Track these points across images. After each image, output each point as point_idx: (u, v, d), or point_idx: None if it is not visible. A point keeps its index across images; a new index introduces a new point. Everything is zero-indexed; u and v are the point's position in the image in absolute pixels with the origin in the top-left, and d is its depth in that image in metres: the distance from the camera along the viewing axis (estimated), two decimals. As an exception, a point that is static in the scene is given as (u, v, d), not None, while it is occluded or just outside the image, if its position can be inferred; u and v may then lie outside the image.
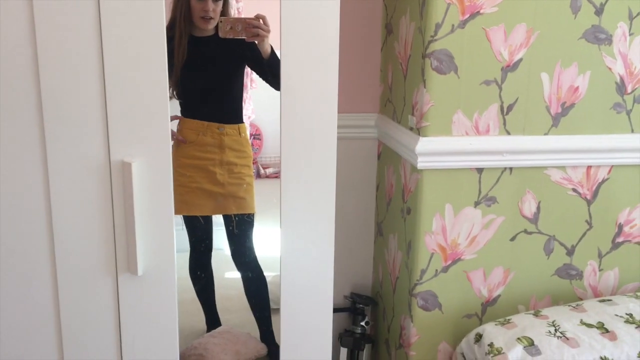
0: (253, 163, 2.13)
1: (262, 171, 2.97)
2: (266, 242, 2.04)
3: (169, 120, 1.12)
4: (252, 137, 3.27)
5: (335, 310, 1.90)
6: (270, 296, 2.14)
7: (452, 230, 1.48)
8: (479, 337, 1.37)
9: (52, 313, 1.16)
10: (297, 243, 1.25)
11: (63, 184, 1.09)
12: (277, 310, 1.32)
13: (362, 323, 1.86)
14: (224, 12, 1.85)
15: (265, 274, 2.14)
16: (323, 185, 1.24)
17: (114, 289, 1.17)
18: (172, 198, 1.16)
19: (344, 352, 1.86)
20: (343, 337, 1.86)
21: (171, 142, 1.15)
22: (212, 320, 2.14)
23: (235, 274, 2.55)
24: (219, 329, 1.98)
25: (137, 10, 1.02)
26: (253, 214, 1.97)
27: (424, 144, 1.41)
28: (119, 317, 1.18)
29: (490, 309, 1.55)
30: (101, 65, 1.04)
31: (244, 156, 1.95)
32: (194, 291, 2.08)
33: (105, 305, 1.17)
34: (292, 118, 1.16)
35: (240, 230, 2.00)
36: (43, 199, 1.10)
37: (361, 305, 1.88)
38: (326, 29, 1.14)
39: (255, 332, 1.92)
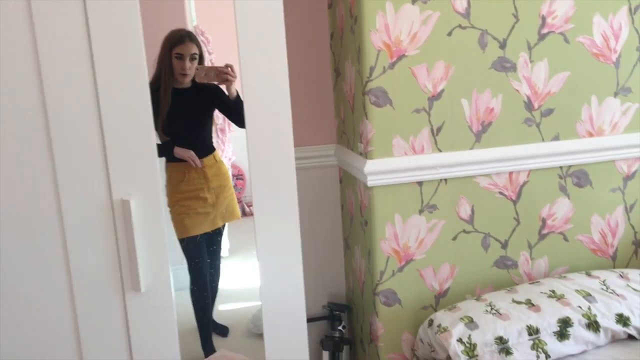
0: (238, 202, 2.50)
1: (247, 209, 3.24)
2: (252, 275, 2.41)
3: (158, 162, 1.39)
4: (235, 177, 3.56)
5: (315, 319, 2.16)
6: (256, 323, 2.48)
7: (402, 235, 1.75)
8: (431, 322, 1.63)
9: (72, 329, 1.40)
10: (271, 271, 1.44)
11: (75, 220, 1.34)
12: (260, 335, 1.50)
13: (340, 327, 2.11)
14: (200, 64, 2.22)
15: (248, 304, 2.48)
16: (288, 213, 1.42)
17: (122, 305, 1.42)
18: (164, 225, 1.41)
19: (325, 354, 2.11)
20: (324, 342, 2.11)
21: (163, 181, 1.42)
22: (208, 346, 2.42)
23: (228, 306, 2.87)
24: (215, 354, 2.24)
25: (125, 68, 1.28)
26: (223, 227, 2.38)
27: (371, 165, 1.69)
28: (128, 328, 1.42)
29: (442, 300, 1.81)
30: (99, 117, 1.29)
31: (223, 177, 2.35)
32: (189, 322, 2.39)
33: (116, 318, 1.41)
34: (256, 153, 1.42)
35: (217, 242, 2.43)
36: (59, 234, 1.34)
37: (337, 312, 2.13)
38: (277, 75, 1.38)
39: (250, 354, 2.17)
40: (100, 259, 1.37)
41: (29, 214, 1.31)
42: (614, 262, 1.88)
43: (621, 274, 1.69)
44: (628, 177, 1.84)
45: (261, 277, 1.45)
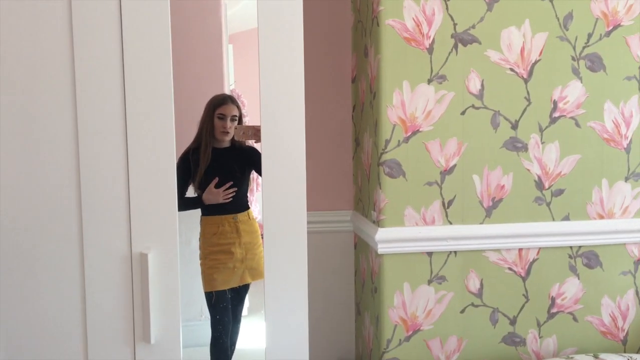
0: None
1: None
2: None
3: (177, 219, 1.48)
4: (262, 236, 3.64)
5: (324, 383, 2.16)
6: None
7: (410, 304, 1.78)
8: (433, 395, 1.64)
9: (83, 376, 1.46)
10: (278, 332, 1.48)
11: (95, 268, 1.42)
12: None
13: (346, 394, 2.11)
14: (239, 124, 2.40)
15: None
16: (297, 275, 1.47)
17: (132, 355, 1.47)
18: (178, 279, 1.48)
19: (331, 420, 2.10)
20: (330, 408, 2.11)
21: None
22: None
23: None
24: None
25: (155, 128, 1.38)
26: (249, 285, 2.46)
27: (382, 234, 1.74)
28: (136, 378, 1.47)
29: (448, 374, 1.82)
30: (127, 172, 1.39)
31: (254, 235, 2.47)
32: None
33: (125, 368, 1.47)
34: (270, 213, 1.49)
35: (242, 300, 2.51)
36: (79, 280, 1.42)
37: (345, 378, 2.14)
38: (295, 140, 1.46)
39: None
40: (115, 307, 1.44)
41: (52, 259, 1.39)
42: (625, 346, 1.86)
43: (629, 359, 1.68)
44: (639, 261, 1.84)
45: (267, 337, 1.49)
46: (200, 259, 2.47)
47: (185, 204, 2.32)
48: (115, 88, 1.34)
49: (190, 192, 2.46)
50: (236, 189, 2.40)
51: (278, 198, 1.50)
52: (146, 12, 1.32)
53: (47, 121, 1.32)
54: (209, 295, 2.46)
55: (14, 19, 1.29)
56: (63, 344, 1.43)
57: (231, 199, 2.40)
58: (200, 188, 2.39)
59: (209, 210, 2.44)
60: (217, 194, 2.37)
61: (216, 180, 2.36)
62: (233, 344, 2.64)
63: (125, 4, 1.31)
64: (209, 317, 2.55)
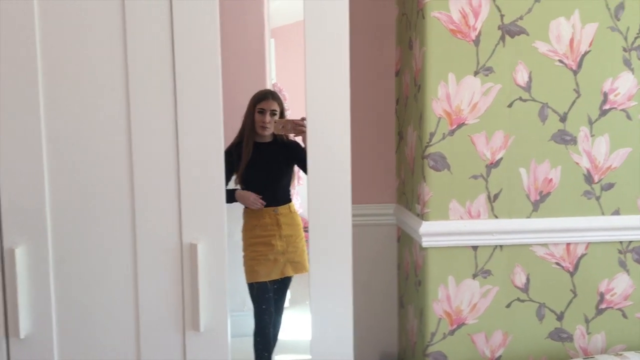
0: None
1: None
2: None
3: (225, 209, 1.51)
4: (305, 229, 3.69)
5: (366, 375, 2.18)
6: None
7: (455, 298, 1.77)
8: (478, 389, 1.63)
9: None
10: (322, 324, 1.49)
11: (147, 261, 1.46)
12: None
13: (389, 386, 2.12)
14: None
15: (303, 357, 2.57)
16: (342, 267, 1.47)
17: (182, 343, 1.51)
18: (226, 270, 1.51)
19: (374, 412, 2.12)
20: (373, 400, 2.12)
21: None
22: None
23: (284, 357, 2.96)
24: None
25: (204, 123, 1.42)
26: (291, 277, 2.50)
27: (426, 227, 1.74)
28: (185, 364, 1.52)
29: (493, 368, 1.81)
30: (177, 164, 1.43)
31: (296, 228, 2.51)
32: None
33: (175, 355, 1.51)
34: (316, 206, 1.51)
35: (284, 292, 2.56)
36: (132, 274, 1.47)
37: (388, 371, 2.15)
38: (340, 134, 1.47)
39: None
40: (166, 296, 1.48)
41: (106, 249, 1.44)
42: (677, 344, 1.82)
43: (682, 357, 1.64)
44: (694, 257, 1.79)
45: (312, 329, 1.51)
46: (243, 250, 2.52)
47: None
48: (167, 84, 1.37)
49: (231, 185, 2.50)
50: (264, 202, 2.42)
51: (323, 191, 1.51)
52: (196, 9, 1.35)
53: (101, 117, 1.37)
54: (251, 287, 2.51)
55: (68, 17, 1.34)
56: (116, 332, 1.48)
57: (265, 201, 2.42)
58: (243, 182, 2.43)
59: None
60: (247, 199, 2.40)
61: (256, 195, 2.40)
62: (275, 335, 2.68)
63: (175, 2, 1.34)
64: (252, 308, 2.60)
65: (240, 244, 2.59)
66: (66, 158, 1.38)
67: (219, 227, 1.48)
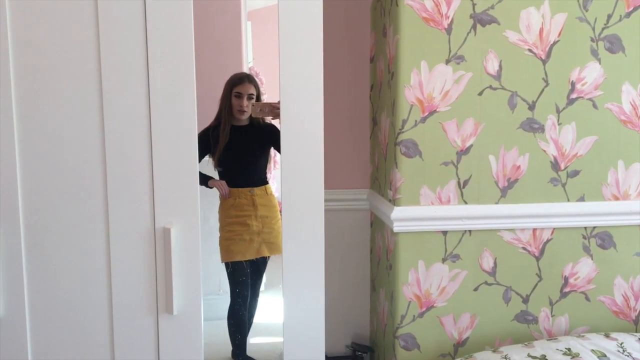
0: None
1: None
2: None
3: (198, 195, 1.52)
4: (281, 212, 3.71)
5: (338, 357, 2.22)
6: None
7: (425, 282, 1.82)
8: (445, 369, 1.68)
9: (107, 343, 1.52)
10: (294, 306, 1.51)
11: (120, 245, 1.46)
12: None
13: (361, 368, 2.17)
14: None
15: (278, 339, 2.61)
16: (315, 251, 1.50)
17: (155, 325, 1.53)
18: (200, 253, 1.52)
19: (345, 393, 2.17)
20: (345, 381, 2.17)
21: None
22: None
23: (258, 340, 2.99)
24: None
25: (178, 105, 1.42)
26: (268, 259, 2.55)
27: (398, 212, 1.77)
28: (158, 347, 1.53)
29: (461, 350, 1.86)
30: (150, 147, 1.42)
31: (272, 209, 2.54)
32: (222, 352, 2.53)
33: (148, 337, 1.52)
34: (290, 194, 1.53)
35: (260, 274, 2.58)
36: (105, 258, 1.47)
37: (360, 353, 2.19)
38: (313, 119, 1.48)
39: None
40: (140, 280, 1.49)
41: (79, 234, 1.44)
42: (637, 325, 1.89)
43: (640, 338, 1.70)
44: (654, 243, 1.86)
45: (285, 312, 1.54)
46: (219, 231, 2.54)
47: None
48: (140, 66, 1.37)
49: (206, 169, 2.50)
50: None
51: (296, 175, 1.52)
52: (170, -7, 1.35)
53: (73, 101, 1.36)
54: (226, 266, 2.53)
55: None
56: (89, 315, 1.49)
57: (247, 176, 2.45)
58: (219, 164, 2.45)
59: (226, 181, 2.52)
60: (219, 183, 2.44)
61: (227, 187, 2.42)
62: (251, 317, 2.71)
63: (149, -15, 1.33)
64: (228, 291, 2.62)
65: (216, 228, 2.60)
66: (37, 142, 1.37)
67: (192, 211, 1.49)
